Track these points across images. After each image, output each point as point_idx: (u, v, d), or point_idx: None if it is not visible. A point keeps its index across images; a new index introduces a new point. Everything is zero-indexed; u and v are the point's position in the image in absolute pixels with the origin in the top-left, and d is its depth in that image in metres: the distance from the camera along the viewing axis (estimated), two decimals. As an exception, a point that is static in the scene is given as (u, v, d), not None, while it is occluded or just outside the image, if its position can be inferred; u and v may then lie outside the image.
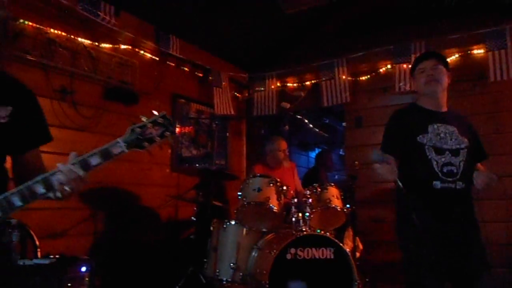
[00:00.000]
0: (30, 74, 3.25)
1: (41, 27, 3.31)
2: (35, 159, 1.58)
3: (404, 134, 2.43)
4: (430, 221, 2.25)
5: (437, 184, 2.30)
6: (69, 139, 3.42)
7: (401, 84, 4.47)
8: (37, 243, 3.05)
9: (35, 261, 2.66)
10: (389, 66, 4.71)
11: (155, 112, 1.48)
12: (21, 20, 3.18)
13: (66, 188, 1.36)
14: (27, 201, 1.34)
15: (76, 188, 1.39)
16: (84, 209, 3.60)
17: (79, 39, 3.60)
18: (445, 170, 2.31)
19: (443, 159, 2.33)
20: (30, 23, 3.24)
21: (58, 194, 1.38)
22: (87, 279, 2.82)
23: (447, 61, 2.58)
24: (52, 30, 3.38)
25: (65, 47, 3.50)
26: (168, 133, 1.47)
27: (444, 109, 2.51)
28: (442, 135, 2.39)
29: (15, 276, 2.40)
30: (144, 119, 1.46)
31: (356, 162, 4.01)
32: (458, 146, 2.37)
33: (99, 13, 3.52)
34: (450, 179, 2.31)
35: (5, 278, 1.45)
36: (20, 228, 2.74)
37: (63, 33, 3.47)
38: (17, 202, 1.33)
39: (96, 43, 3.74)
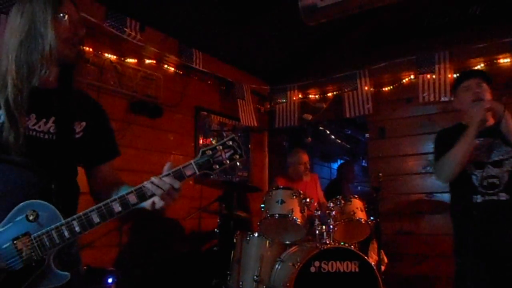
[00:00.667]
0: (59, 90, 3.36)
1: (70, 44, 3.42)
2: (110, 172, 1.63)
3: None
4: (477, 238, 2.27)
5: (477, 198, 2.31)
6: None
7: (424, 94, 4.42)
8: (65, 254, 3.11)
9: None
10: (412, 77, 4.66)
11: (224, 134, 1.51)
12: (52, 38, 3.28)
13: (158, 197, 1.41)
14: (105, 218, 1.39)
15: (170, 198, 1.44)
16: (110, 220, 3.65)
17: (106, 54, 3.70)
18: (485, 183, 2.30)
19: (483, 173, 2.32)
20: (60, 40, 3.35)
21: (155, 203, 1.44)
22: (113, 290, 2.86)
23: (490, 78, 2.56)
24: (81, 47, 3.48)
25: (93, 62, 3.60)
26: (237, 156, 1.49)
27: (490, 123, 2.46)
28: (483, 149, 2.37)
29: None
30: (214, 141, 1.50)
31: (380, 174, 3.96)
32: (501, 157, 2.35)
33: (125, 29, 3.62)
34: (491, 191, 2.29)
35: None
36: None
37: (91, 50, 3.58)
38: (96, 219, 1.37)
39: (122, 58, 3.84)
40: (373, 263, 3.35)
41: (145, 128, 4.00)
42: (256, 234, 3.72)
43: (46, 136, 1.41)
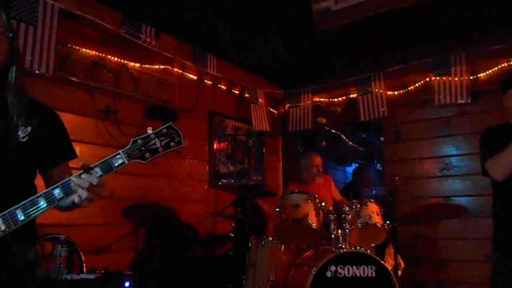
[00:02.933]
0: (77, 95, 3.41)
1: (87, 50, 3.48)
2: (62, 174, 1.62)
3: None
4: None
5: None
6: (112, 157, 3.54)
7: (440, 97, 4.37)
8: (83, 258, 3.15)
9: (82, 275, 2.75)
10: (428, 79, 4.62)
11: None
12: (69, 45, 3.35)
13: (83, 192, 1.38)
14: (29, 215, 1.38)
15: (93, 195, 1.41)
16: (126, 224, 3.69)
17: (122, 60, 3.75)
18: None
19: None
20: (77, 47, 3.41)
21: (77, 198, 1.41)
22: (130, 294, 2.88)
23: None
24: (97, 53, 3.54)
25: (109, 68, 3.65)
26: (173, 143, 1.47)
27: None
28: None
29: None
30: (149, 130, 1.47)
31: (397, 178, 3.92)
32: None
33: (140, 35, 3.66)
34: None
35: None
36: (67, 243, 2.84)
37: (107, 56, 3.63)
38: (20, 216, 1.37)
39: (137, 64, 3.88)
40: (390, 268, 3.31)
41: (160, 133, 4.02)
42: (271, 238, 3.71)
43: None
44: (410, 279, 4.16)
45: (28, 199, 1.38)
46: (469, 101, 4.25)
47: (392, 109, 4.82)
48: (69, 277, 2.66)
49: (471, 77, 4.28)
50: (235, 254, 3.91)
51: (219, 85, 4.88)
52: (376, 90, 4.83)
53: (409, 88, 4.79)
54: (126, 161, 1.43)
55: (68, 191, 1.39)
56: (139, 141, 1.44)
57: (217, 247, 4.55)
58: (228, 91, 5.02)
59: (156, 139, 1.45)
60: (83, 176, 1.39)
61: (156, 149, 1.45)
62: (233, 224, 4.01)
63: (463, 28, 4.43)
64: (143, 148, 1.44)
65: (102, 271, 2.95)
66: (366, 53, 5.07)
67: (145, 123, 3.92)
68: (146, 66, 3.96)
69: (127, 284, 2.88)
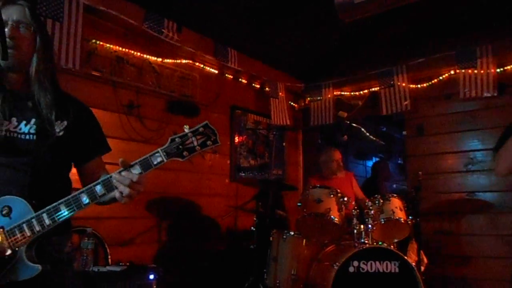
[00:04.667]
0: (101, 90, 3.46)
1: (110, 46, 3.52)
2: (97, 168, 1.68)
3: None
4: None
5: None
6: (135, 151, 3.58)
7: (466, 90, 4.28)
8: (108, 250, 3.21)
9: (108, 268, 2.80)
10: (452, 72, 4.52)
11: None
12: (93, 40, 3.39)
13: (125, 189, 1.41)
14: (73, 210, 1.42)
15: (133, 191, 1.43)
16: (149, 218, 3.74)
17: (144, 55, 3.78)
18: None
19: None
20: (101, 43, 3.45)
21: (116, 196, 1.44)
22: (154, 286, 2.92)
23: None
24: (120, 48, 3.58)
25: (132, 64, 3.68)
26: (210, 142, 1.48)
27: None
28: None
29: (90, 281, 2.55)
30: (186, 128, 1.49)
31: (420, 173, 3.87)
32: None
33: (162, 30, 3.68)
34: None
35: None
36: (93, 236, 2.90)
37: (130, 51, 3.66)
38: (64, 211, 1.41)
39: (160, 59, 3.91)
40: (413, 264, 3.28)
41: (182, 127, 4.05)
42: (292, 233, 3.72)
43: (27, 137, 1.49)
44: (433, 275, 4.11)
45: (71, 195, 1.42)
46: (495, 94, 4.15)
47: (415, 102, 4.74)
48: (96, 269, 2.71)
49: (498, 70, 4.18)
50: (256, 248, 3.92)
51: (239, 79, 4.88)
52: (399, 83, 4.76)
53: (433, 81, 4.70)
54: (165, 159, 1.45)
55: (109, 187, 1.43)
56: (177, 139, 1.46)
57: (239, 241, 4.57)
58: (249, 85, 5.02)
59: (193, 138, 1.47)
60: (123, 173, 1.42)
61: (193, 148, 1.47)
62: (255, 218, 4.02)
63: (489, 20, 4.31)
64: (180, 147, 1.46)
65: (127, 264, 3.00)
66: (389, 45, 4.98)
67: (167, 117, 3.97)
68: (168, 60, 3.98)
69: (151, 276, 2.92)
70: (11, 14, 1.50)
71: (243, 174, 4.82)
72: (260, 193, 4.25)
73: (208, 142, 1.48)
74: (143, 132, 3.74)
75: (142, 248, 3.65)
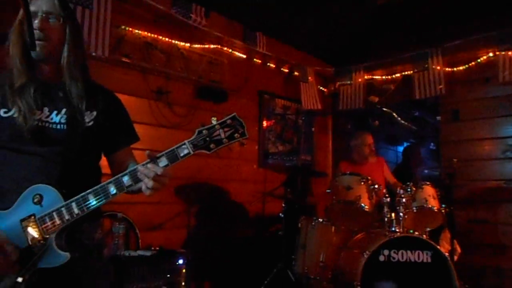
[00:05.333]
0: (131, 77, 3.48)
1: (139, 32, 3.52)
2: (126, 157, 1.69)
3: None
4: None
5: None
6: (164, 137, 3.62)
7: (506, 73, 4.07)
8: (139, 235, 3.27)
9: (139, 252, 2.85)
10: (491, 54, 4.31)
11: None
12: (123, 27, 3.39)
13: (149, 182, 1.41)
14: (101, 200, 1.43)
15: (158, 184, 1.43)
16: (179, 203, 3.78)
17: (173, 41, 3.77)
18: None
19: None
20: (130, 29, 3.45)
21: (143, 187, 1.44)
22: (183, 271, 2.97)
23: None
24: (149, 34, 3.58)
25: (161, 49, 3.68)
26: (237, 134, 1.45)
27: None
28: None
29: (121, 265, 2.60)
30: (213, 120, 1.45)
31: (455, 160, 3.73)
32: None
33: (191, 15, 3.65)
34: None
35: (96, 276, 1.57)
36: (124, 221, 2.95)
37: (159, 37, 3.65)
38: (93, 201, 1.42)
39: (188, 44, 3.89)
40: (446, 253, 3.19)
41: (210, 113, 4.04)
42: (321, 220, 3.69)
43: (58, 127, 1.50)
44: (466, 265, 4.00)
45: (99, 185, 1.44)
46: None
47: (451, 86, 4.55)
48: (127, 253, 2.77)
49: (542, 52, 3.96)
50: (284, 235, 3.92)
51: (268, 64, 4.81)
52: (434, 66, 4.58)
53: (470, 64, 4.50)
54: (192, 151, 1.43)
55: (136, 178, 1.43)
56: (204, 131, 1.44)
57: (266, 227, 4.58)
58: (277, 69, 4.95)
59: (221, 130, 1.44)
60: (149, 165, 1.41)
61: (221, 140, 1.44)
62: (283, 204, 4.00)
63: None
64: (207, 139, 1.43)
65: (157, 248, 3.05)
66: (423, 27, 4.78)
67: (195, 103, 3.96)
68: (196, 46, 3.96)
69: (180, 261, 2.96)
70: (41, 5, 1.50)
71: (272, 160, 4.79)
72: (289, 179, 4.21)
73: (236, 135, 1.45)
74: (171, 118, 3.76)
75: (171, 233, 3.70)
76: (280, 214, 3.97)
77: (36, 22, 1.46)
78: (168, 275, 2.88)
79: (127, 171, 1.44)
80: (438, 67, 4.55)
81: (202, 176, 3.98)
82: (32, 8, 1.45)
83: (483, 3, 4.30)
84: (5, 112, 1.47)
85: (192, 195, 3.91)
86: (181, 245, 3.72)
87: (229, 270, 4.06)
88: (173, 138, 3.62)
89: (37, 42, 1.42)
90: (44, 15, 1.49)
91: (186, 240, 3.80)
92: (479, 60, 4.43)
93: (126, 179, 1.44)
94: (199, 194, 4.00)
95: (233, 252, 4.15)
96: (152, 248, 3.04)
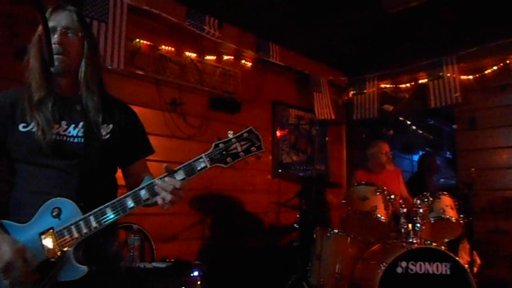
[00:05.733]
0: (145, 89, 3.51)
1: (153, 44, 3.56)
2: (141, 170, 1.70)
3: None
4: None
5: None
6: (178, 148, 3.63)
7: (523, 80, 4.01)
8: (154, 246, 3.27)
9: (154, 264, 2.85)
10: (508, 62, 4.25)
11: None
12: (137, 40, 3.44)
13: (167, 195, 1.41)
14: (119, 213, 1.44)
15: (175, 197, 1.43)
16: (193, 214, 3.78)
17: (187, 53, 3.80)
18: None
19: None
20: (144, 42, 3.49)
21: (157, 202, 1.44)
22: (199, 283, 2.95)
23: None
24: (163, 46, 3.61)
25: (175, 61, 3.71)
26: (254, 148, 1.45)
27: None
28: None
29: (137, 277, 2.59)
30: (230, 134, 1.45)
31: (473, 169, 3.66)
32: None
33: (204, 27, 3.68)
34: None
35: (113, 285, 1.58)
36: (140, 233, 2.96)
37: (173, 49, 3.69)
38: (110, 214, 1.43)
39: (202, 56, 3.91)
40: (465, 265, 3.12)
41: (224, 124, 4.06)
42: (336, 231, 3.64)
43: (76, 140, 1.52)
44: (486, 276, 3.90)
45: (117, 199, 1.45)
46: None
47: (467, 94, 4.49)
48: (142, 265, 2.76)
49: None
50: (299, 246, 3.88)
51: (281, 74, 4.81)
52: (449, 74, 4.53)
53: (485, 72, 4.44)
54: (209, 165, 1.44)
55: (153, 192, 1.44)
56: (220, 145, 1.44)
57: (281, 238, 4.54)
58: (291, 79, 4.95)
59: (237, 144, 1.44)
60: (166, 179, 1.42)
61: (237, 154, 1.45)
62: (298, 215, 3.97)
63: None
64: (224, 152, 1.44)
65: (172, 260, 3.04)
66: (437, 35, 4.73)
67: (209, 114, 3.98)
68: (209, 57, 3.99)
69: (195, 273, 2.95)
70: (60, 20, 1.53)
71: (285, 170, 4.77)
72: (303, 190, 4.18)
73: (252, 148, 1.45)
74: (185, 129, 3.77)
75: (186, 244, 3.69)
76: (295, 224, 3.93)
77: (55, 37, 1.49)
78: (183, 287, 2.86)
79: (144, 184, 1.45)
80: (454, 75, 4.51)
81: (216, 186, 3.97)
82: (51, 23, 1.49)
83: (498, 10, 4.25)
84: (24, 127, 1.50)
85: (207, 206, 3.90)
86: (195, 256, 3.70)
87: (244, 281, 4.03)
88: (187, 150, 3.69)
89: (56, 56, 1.45)
90: (63, 30, 1.52)
91: (201, 251, 3.79)
92: (495, 68, 4.37)
93: (143, 193, 1.44)
94: (214, 204, 3.99)
95: (248, 263, 4.12)
96: (167, 260, 3.03)
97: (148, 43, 3.52)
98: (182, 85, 3.76)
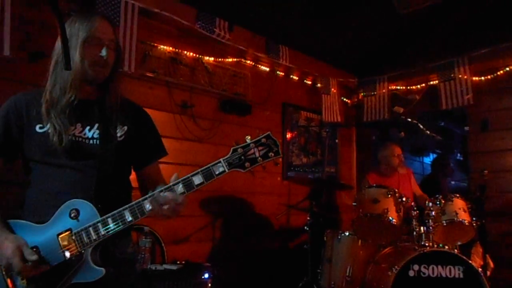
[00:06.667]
0: (156, 91, 3.53)
1: (164, 47, 3.57)
2: (154, 172, 1.72)
3: None
4: None
5: None
6: (189, 150, 3.64)
7: (537, 82, 3.96)
8: (164, 248, 3.28)
9: (165, 266, 2.85)
10: (521, 62, 4.20)
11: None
12: (148, 42, 3.45)
13: (167, 207, 1.42)
14: (137, 217, 1.44)
15: (174, 212, 1.44)
16: (204, 216, 3.78)
17: (197, 55, 3.81)
18: None
19: None
20: (156, 44, 3.51)
21: (164, 212, 1.45)
22: (209, 285, 2.95)
23: None
24: (174, 49, 3.63)
25: (185, 64, 3.72)
26: (272, 153, 1.45)
27: None
28: None
29: (148, 279, 2.60)
30: (248, 139, 1.46)
31: (486, 171, 3.62)
32: None
33: (214, 29, 3.69)
34: None
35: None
36: (151, 234, 2.97)
37: (183, 51, 3.70)
38: (129, 217, 1.44)
39: (212, 58, 3.92)
40: (479, 269, 3.08)
41: (234, 126, 4.06)
42: (347, 233, 3.62)
43: (91, 142, 1.54)
44: (500, 280, 3.85)
45: (135, 202, 1.46)
46: None
47: (479, 96, 4.44)
48: (153, 267, 2.77)
49: None
50: (310, 248, 3.86)
51: (291, 76, 4.81)
52: (460, 76, 4.48)
53: (498, 73, 4.39)
54: (227, 170, 1.45)
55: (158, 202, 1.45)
56: (239, 149, 1.45)
57: (291, 240, 4.53)
58: (301, 81, 4.94)
59: (255, 148, 1.45)
60: (167, 194, 1.43)
61: (255, 159, 1.45)
62: (308, 217, 3.95)
63: None
64: (242, 157, 1.45)
65: (183, 262, 3.04)
66: (449, 36, 4.70)
67: (219, 116, 3.98)
68: (220, 59, 3.99)
69: (206, 275, 2.94)
70: (106, 33, 1.55)
71: (295, 172, 4.76)
72: (313, 192, 4.17)
73: (270, 154, 1.46)
74: (196, 131, 3.78)
75: (197, 246, 3.70)
76: (306, 227, 3.92)
77: (103, 50, 1.51)
78: (194, 289, 2.86)
79: (163, 187, 1.45)
80: (465, 77, 4.46)
81: (227, 189, 3.97)
82: (97, 34, 1.52)
83: (510, 11, 4.20)
84: (40, 128, 1.52)
85: (217, 208, 3.91)
86: (206, 258, 3.71)
87: (255, 284, 4.03)
88: (198, 152, 3.70)
89: (99, 68, 1.52)
90: (108, 43, 1.55)
91: (211, 253, 3.79)
92: (507, 69, 4.33)
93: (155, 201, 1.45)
94: (224, 207, 4.00)
95: (258, 265, 4.12)
96: (178, 262, 3.03)
97: (159, 45, 3.54)
98: (192, 88, 3.78)
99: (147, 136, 1.71)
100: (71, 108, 1.52)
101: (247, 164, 1.45)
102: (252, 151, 1.45)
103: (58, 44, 1.52)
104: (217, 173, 1.44)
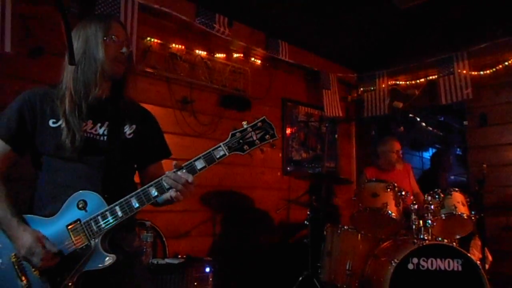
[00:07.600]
0: (156, 87, 3.54)
1: (164, 43, 3.58)
2: (157, 172, 1.75)
3: None
4: None
5: None
6: (189, 146, 3.66)
7: (535, 76, 3.98)
8: (166, 243, 3.31)
9: (167, 260, 2.88)
10: (519, 57, 4.21)
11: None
12: (148, 38, 3.46)
13: (176, 191, 1.47)
14: (143, 203, 1.50)
15: (186, 191, 1.48)
16: (204, 211, 3.81)
17: (197, 51, 3.82)
18: None
19: None
20: (156, 40, 3.52)
21: (170, 195, 1.49)
22: (210, 279, 2.98)
23: None
24: (173, 45, 3.64)
25: (185, 60, 3.74)
26: (268, 136, 1.52)
27: None
28: None
29: (150, 273, 2.62)
30: (244, 124, 1.53)
31: (484, 165, 3.64)
32: None
33: (214, 25, 3.70)
34: None
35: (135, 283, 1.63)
36: (152, 229, 2.99)
37: (183, 47, 3.71)
38: (135, 203, 1.49)
39: (212, 54, 3.93)
40: (477, 262, 3.11)
41: (234, 121, 4.07)
42: (347, 227, 3.65)
43: (101, 138, 1.60)
44: (498, 273, 3.89)
45: (141, 189, 1.51)
46: None
47: (478, 90, 4.46)
48: (155, 262, 2.80)
49: None
50: (310, 242, 3.89)
51: (291, 71, 4.82)
52: (459, 70, 4.50)
53: (497, 68, 4.41)
54: (227, 153, 1.51)
55: (161, 188, 1.51)
56: (237, 134, 1.51)
57: (291, 234, 4.56)
58: (300, 77, 4.95)
59: (252, 132, 1.52)
60: (179, 173, 1.48)
61: (253, 142, 1.52)
62: (308, 212, 3.98)
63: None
64: (241, 141, 1.51)
65: (184, 256, 3.07)
66: (447, 31, 4.72)
67: (219, 112, 4.00)
68: (219, 55, 4.00)
69: (207, 269, 2.98)
70: (123, 33, 1.64)
71: (295, 167, 4.78)
72: (313, 187, 4.20)
73: (267, 136, 1.53)
74: (196, 127, 3.80)
75: (198, 241, 3.73)
76: (306, 221, 3.94)
77: (124, 49, 1.59)
78: (196, 283, 2.89)
79: (165, 175, 1.50)
80: (464, 71, 4.48)
81: (227, 183, 4.00)
82: (116, 34, 1.60)
83: (509, 5, 4.22)
84: (53, 122, 1.56)
85: (217, 203, 3.93)
86: (206, 252, 3.74)
87: (255, 278, 4.06)
88: (198, 147, 3.70)
89: (119, 64, 1.60)
90: (127, 42, 1.64)
91: (212, 248, 3.82)
92: (506, 63, 4.34)
93: (165, 182, 1.50)
94: (224, 201, 4.02)
95: (258, 259, 4.14)
96: (179, 256, 3.06)
97: (159, 41, 3.55)
98: (192, 83, 3.79)
99: (154, 136, 1.78)
100: (86, 106, 1.57)
101: (245, 147, 1.51)
102: (249, 134, 1.51)
103: (76, 42, 1.57)
104: (218, 156, 1.50)
